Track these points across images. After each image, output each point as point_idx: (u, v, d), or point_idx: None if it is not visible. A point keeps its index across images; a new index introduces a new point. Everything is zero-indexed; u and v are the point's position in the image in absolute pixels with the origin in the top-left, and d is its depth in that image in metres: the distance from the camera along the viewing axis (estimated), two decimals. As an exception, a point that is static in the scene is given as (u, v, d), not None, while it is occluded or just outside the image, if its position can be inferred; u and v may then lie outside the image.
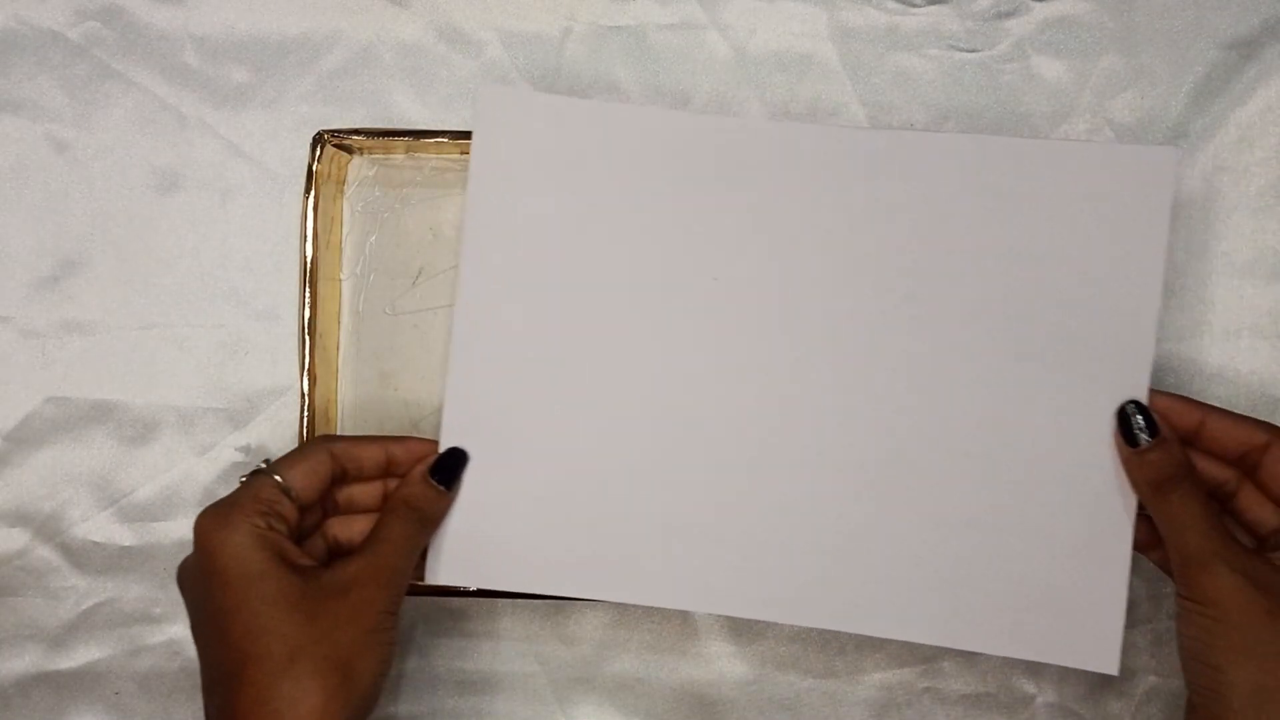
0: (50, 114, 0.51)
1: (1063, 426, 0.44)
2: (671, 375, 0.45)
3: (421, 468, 0.43)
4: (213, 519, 0.40)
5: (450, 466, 0.44)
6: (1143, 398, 0.42)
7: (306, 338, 0.49)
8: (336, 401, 0.51)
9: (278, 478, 0.41)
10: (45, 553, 0.52)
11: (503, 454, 0.45)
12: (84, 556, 0.52)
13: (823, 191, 0.44)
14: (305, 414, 0.49)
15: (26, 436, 0.51)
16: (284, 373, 0.51)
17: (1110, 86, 0.50)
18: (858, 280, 0.44)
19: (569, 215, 0.45)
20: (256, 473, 0.42)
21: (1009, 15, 0.51)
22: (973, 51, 0.51)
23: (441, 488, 0.43)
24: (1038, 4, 0.50)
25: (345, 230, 0.51)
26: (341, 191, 0.51)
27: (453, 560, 0.45)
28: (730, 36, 0.51)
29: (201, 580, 0.40)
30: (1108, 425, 0.43)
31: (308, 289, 0.49)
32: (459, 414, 0.45)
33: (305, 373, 0.49)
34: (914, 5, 0.51)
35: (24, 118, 0.51)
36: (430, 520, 0.43)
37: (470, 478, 0.45)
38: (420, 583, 0.45)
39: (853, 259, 0.44)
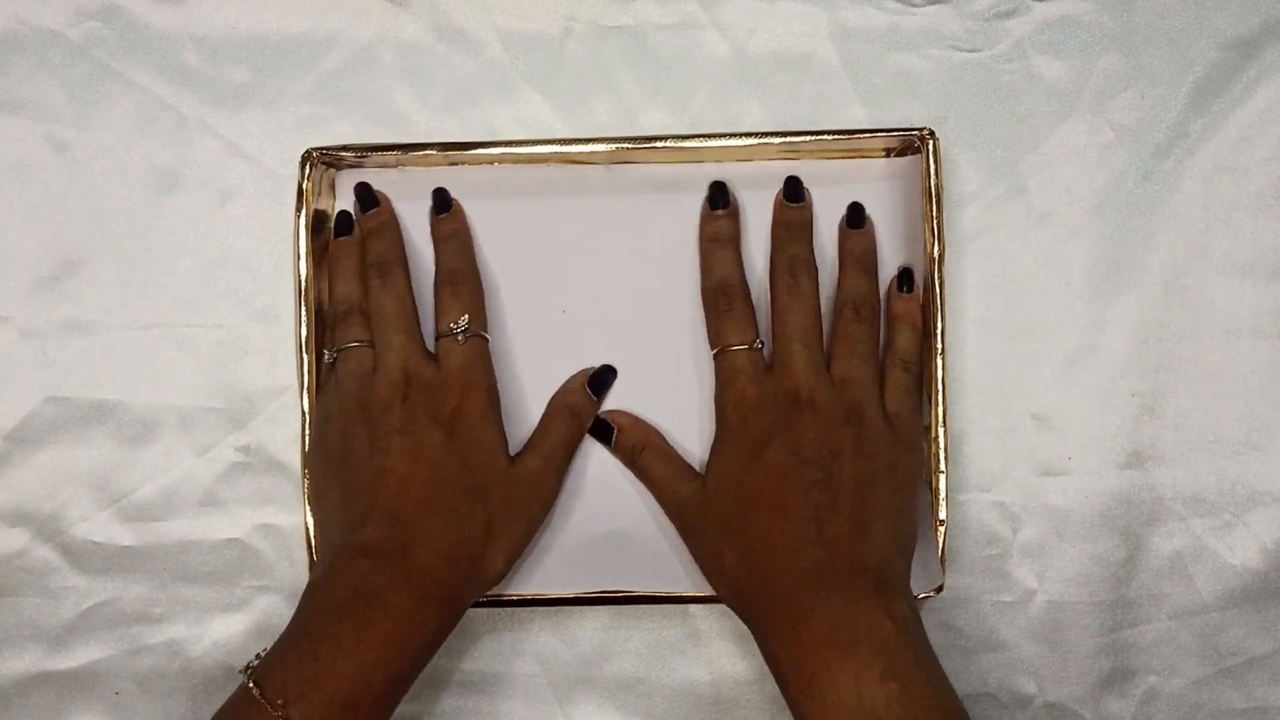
0: (50, 114, 0.51)
1: None
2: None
3: (581, 378, 0.49)
4: (491, 410, 0.47)
5: (603, 379, 0.50)
6: None
7: (305, 355, 0.49)
8: None
9: None
10: (45, 553, 0.52)
11: None
12: (84, 556, 0.52)
13: (649, 227, 0.50)
14: (307, 430, 0.49)
15: (26, 436, 0.51)
16: (284, 373, 0.51)
17: (1110, 86, 0.50)
18: (676, 302, 0.50)
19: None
20: None
21: (1009, 15, 0.51)
22: (973, 51, 0.51)
23: (594, 397, 0.49)
24: (1038, 4, 0.50)
25: None
26: (333, 208, 0.51)
27: None
28: (730, 36, 0.51)
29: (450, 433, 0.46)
30: None
31: (303, 306, 0.49)
32: None
33: (305, 390, 0.49)
34: (914, 5, 0.51)
35: (24, 118, 0.51)
36: (584, 424, 0.49)
37: None
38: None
39: (670, 283, 0.50)
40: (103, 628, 0.52)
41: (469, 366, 0.47)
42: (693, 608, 0.51)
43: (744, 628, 0.51)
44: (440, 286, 0.49)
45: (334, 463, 0.47)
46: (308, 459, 0.49)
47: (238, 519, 0.51)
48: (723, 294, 0.48)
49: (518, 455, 0.48)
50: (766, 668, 0.50)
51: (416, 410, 0.46)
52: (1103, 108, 0.50)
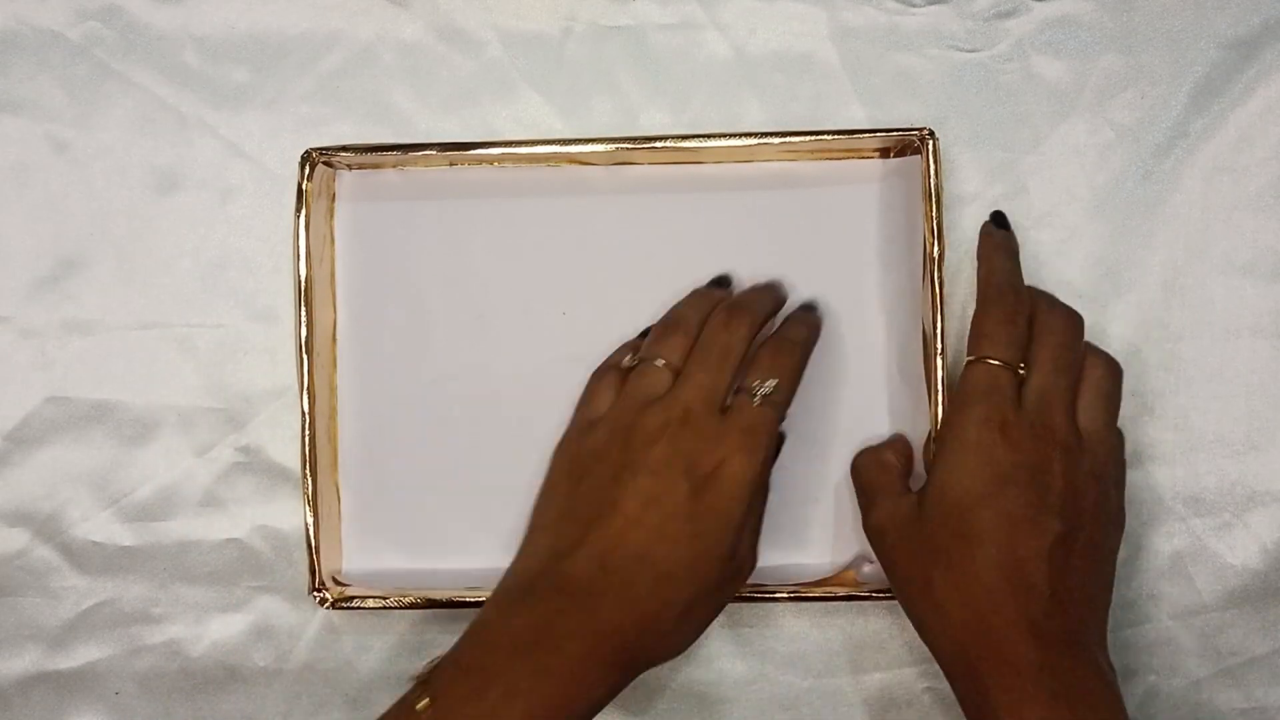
0: (50, 114, 0.51)
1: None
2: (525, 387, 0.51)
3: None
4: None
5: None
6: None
7: (304, 356, 0.49)
8: (337, 417, 0.51)
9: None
10: (45, 553, 0.52)
11: (392, 467, 0.51)
12: (84, 556, 0.52)
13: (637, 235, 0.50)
14: (306, 432, 0.49)
15: (26, 436, 0.51)
16: (284, 373, 0.51)
17: (1110, 86, 0.50)
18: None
19: (432, 271, 0.51)
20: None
21: (1009, 15, 0.51)
22: (973, 51, 0.51)
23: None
24: (1038, 4, 0.50)
25: (338, 246, 0.51)
26: (333, 208, 0.51)
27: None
28: (730, 36, 0.51)
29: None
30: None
31: (303, 308, 0.49)
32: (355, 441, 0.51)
33: (305, 391, 0.49)
34: (914, 5, 0.51)
35: (24, 118, 0.51)
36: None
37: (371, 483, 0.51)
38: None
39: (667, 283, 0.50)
40: (103, 628, 0.52)
41: (751, 431, 0.43)
42: (693, 608, 0.51)
43: (742, 629, 0.51)
44: (768, 343, 0.46)
45: (574, 473, 0.45)
46: (556, 453, 0.47)
47: (238, 519, 0.51)
48: (1013, 294, 0.45)
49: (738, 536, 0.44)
50: (766, 668, 0.51)
51: (676, 456, 0.43)
52: (1103, 108, 0.50)
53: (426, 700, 0.39)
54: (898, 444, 0.49)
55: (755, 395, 0.44)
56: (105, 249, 0.51)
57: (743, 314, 0.46)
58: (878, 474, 0.47)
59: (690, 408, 0.44)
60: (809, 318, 0.49)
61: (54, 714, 0.52)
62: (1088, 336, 0.50)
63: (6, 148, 0.52)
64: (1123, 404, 0.50)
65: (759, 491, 0.45)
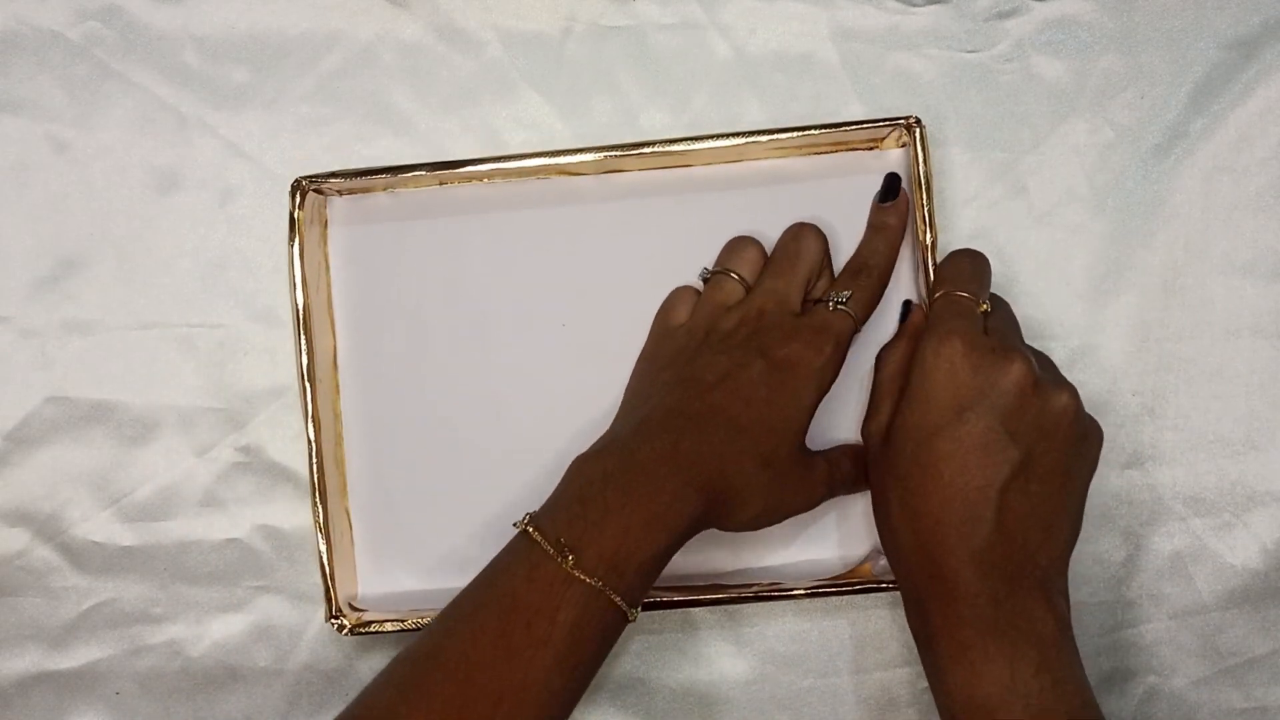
0: (50, 114, 0.51)
1: None
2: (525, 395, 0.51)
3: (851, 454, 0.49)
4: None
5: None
6: None
7: (307, 384, 0.48)
8: (343, 443, 0.51)
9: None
10: (45, 553, 0.52)
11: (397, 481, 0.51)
12: (84, 556, 0.52)
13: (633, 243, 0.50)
14: (314, 459, 0.48)
15: (26, 436, 0.51)
16: (284, 373, 0.51)
17: (1110, 86, 0.50)
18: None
19: (433, 284, 0.51)
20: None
21: (1009, 15, 0.51)
22: (973, 51, 0.51)
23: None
24: (1038, 4, 0.50)
25: (333, 272, 0.51)
26: (326, 235, 0.51)
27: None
28: (730, 36, 0.51)
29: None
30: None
31: (303, 336, 0.48)
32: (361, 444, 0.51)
33: (310, 419, 0.48)
34: (914, 5, 0.51)
35: (24, 118, 0.51)
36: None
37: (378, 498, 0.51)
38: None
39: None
40: (103, 628, 0.52)
41: (825, 328, 0.46)
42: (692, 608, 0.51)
43: (742, 629, 0.51)
44: (847, 267, 0.48)
45: (655, 366, 0.48)
46: (638, 362, 0.49)
47: (238, 519, 0.51)
48: (974, 254, 0.47)
49: (812, 451, 0.47)
50: (766, 668, 0.51)
51: (751, 341, 0.45)
52: (1103, 108, 0.50)
53: (533, 528, 0.42)
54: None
55: (830, 303, 0.46)
56: (105, 249, 0.51)
57: (810, 227, 0.48)
58: (888, 380, 0.47)
59: (765, 309, 0.46)
60: (888, 215, 0.49)
61: (54, 714, 0.52)
62: (1086, 334, 0.50)
63: (6, 148, 0.52)
64: (1123, 404, 0.50)
65: (825, 392, 0.46)
